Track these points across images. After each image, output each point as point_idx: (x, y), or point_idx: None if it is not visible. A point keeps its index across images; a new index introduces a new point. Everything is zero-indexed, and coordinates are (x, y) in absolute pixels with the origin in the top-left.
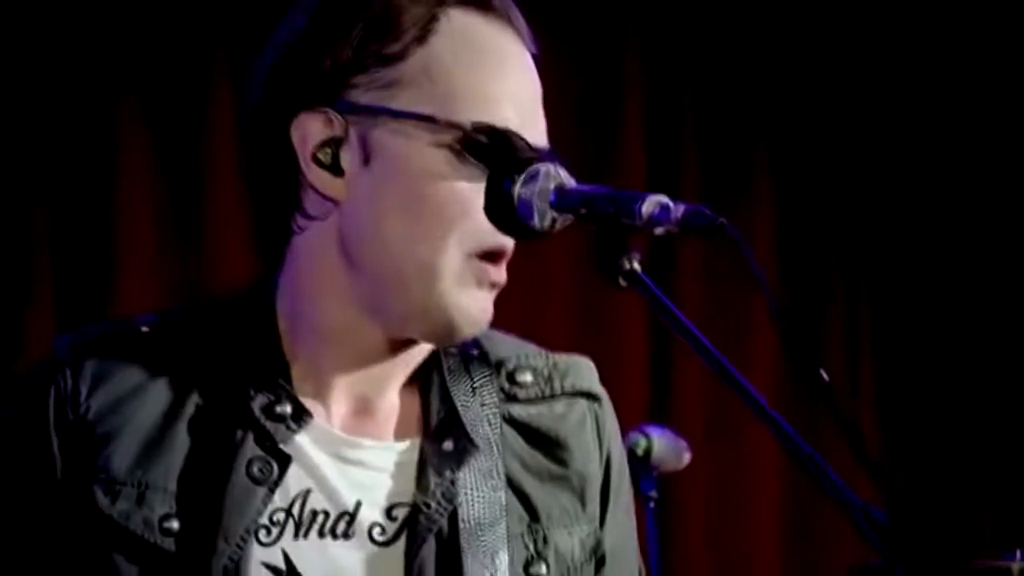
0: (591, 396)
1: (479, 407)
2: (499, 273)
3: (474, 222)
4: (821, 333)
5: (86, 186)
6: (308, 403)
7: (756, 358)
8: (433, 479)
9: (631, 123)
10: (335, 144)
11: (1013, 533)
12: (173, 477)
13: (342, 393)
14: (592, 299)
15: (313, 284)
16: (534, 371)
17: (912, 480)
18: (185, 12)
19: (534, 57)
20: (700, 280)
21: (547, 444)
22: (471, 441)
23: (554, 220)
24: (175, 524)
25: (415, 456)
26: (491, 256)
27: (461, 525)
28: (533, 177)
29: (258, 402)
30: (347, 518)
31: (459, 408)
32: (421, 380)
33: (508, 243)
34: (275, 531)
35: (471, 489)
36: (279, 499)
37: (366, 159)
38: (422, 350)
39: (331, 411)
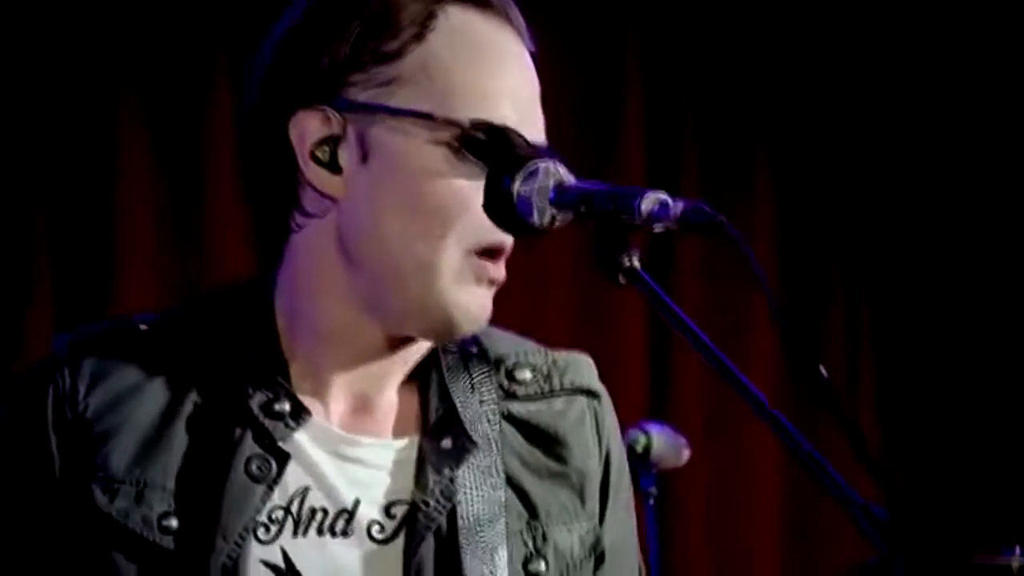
0: (590, 393)
1: (478, 404)
2: (498, 270)
3: (473, 219)
4: (821, 332)
5: (86, 186)
6: (307, 401)
7: (756, 356)
8: (432, 477)
9: (631, 123)
10: (333, 142)
11: (1013, 530)
12: (171, 475)
13: (341, 391)
14: (592, 296)
15: (312, 282)
16: (533, 368)
17: (912, 478)
18: (185, 12)
19: (532, 55)
20: (700, 278)
21: (546, 441)
22: (469, 439)
23: (553, 217)
24: (174, 522)
25: (414, 454)
26: (490, 253)
27: (460, 522)
28: (532, 174)
29: (256, 400)
30: (346, 516)
31: (458, 406)
32: (420, 378)
33: (507, 240)
34: (274, 529)
35: (470, 487)
36: (278, 497)
37: (364, 157)
38: (421, 348)
39: (330, 409)
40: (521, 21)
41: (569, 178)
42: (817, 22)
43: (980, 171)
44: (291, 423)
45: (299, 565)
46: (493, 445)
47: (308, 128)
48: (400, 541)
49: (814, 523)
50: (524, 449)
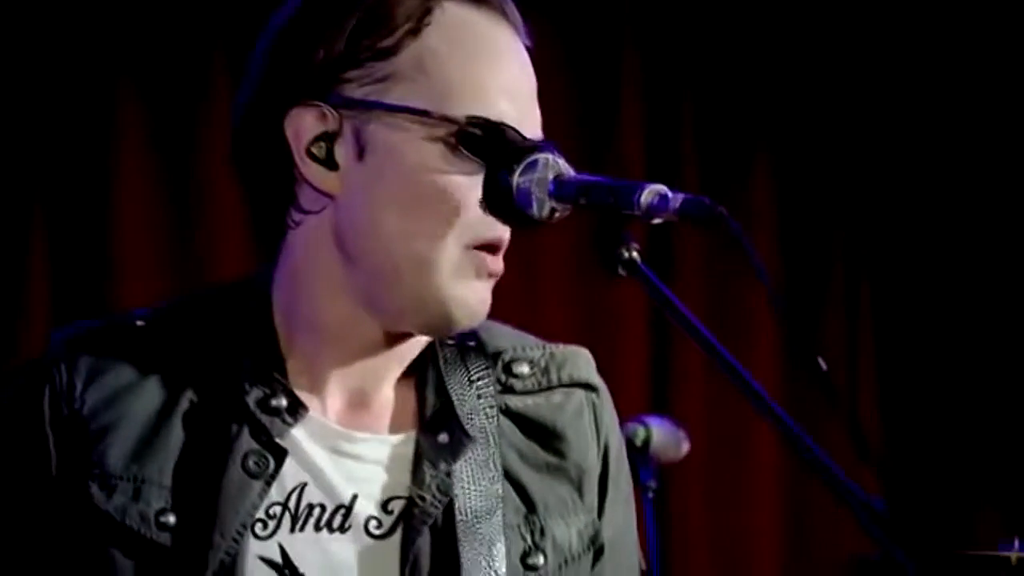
0: (588, 387)
1: (476, 399)
2: (496, 263)
3: (470, 216)
4: (820, 323)
5: (83, 186)
6: (304, 397)
7: (756, 351)
8: (428, 472)
9: (631, 123)
10: (329, 138)
11: (1012, 522)
12: (169, 472)
13: (338, 387)
14: (592, 290)
15: (309, 278)
16: (531, 362)
17: (911, 469)
18: (183, 12)
19: (529, 50)
20: (700, 273)
21: (544, 435)
22: (466, 433)
23: (553, 210)
24: (171, 519)
25: (411, 449)
26: (488, 248)
27: (458, 516)
28: (531, 166)
29: (253, 396)
30: (343, 511)
31: (454, 400)
32: (417, 373)
33: (505, 235)
34: (271, 525)
35: (467, 481)
36: (275, 493)
37: (360, 153)
38: (418, 343)
39: (327, 404)
40: (517, 16)
41: (568, 170)
42: (815, 16)
43: (981, 160)
44: (288, 419)
45: (297, 561)
46: (490, 439)
47: (304, 125)
48: (397, 536)
49: (814, 516)
50: (522, 443)
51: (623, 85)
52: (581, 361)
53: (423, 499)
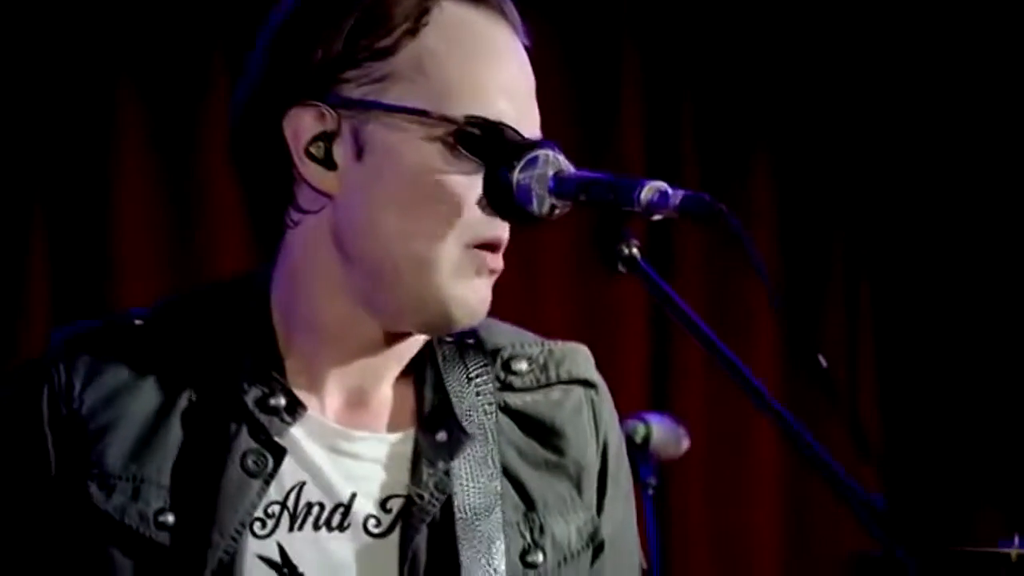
0: (587, 384)
1: (474, 396)
2: (496, 261)
3: (469, 215)
4: (820, 323)
5: (83, 186)
6: (302, 396)
7: (757, 348)
8: (426, 470)
9: (631, 123)
10: (328, 138)
11: (1012, 519)
12: (167, 471)
13: (336, 385)
14: (592, 286)
15: (307, 278)
16: (530, 359)
17: (911, 467)
18: (182, 12)
19: (527, 49)
20: (701, 270)
21: (543, 432)
22: (464, 431)
23: (553, 206)
24: (170, 518)
25: (409, 447)
26: (488, 247)
27: (457, 514)
28: (532, 163)
29: (252, 395)
30: (342, 510)
31: (452, 398)
32: (416, 371)
33: (504, 234)
34: (270, 524)
35: (466, 478)
36: (274, 492)
37: (359, 153)
38: (416, 342)
39: (325, 403)
40: (516, 15)
41: (568, 167)
42: (814, 16)
43: (980, 158)
44: (287, 418)
45: (295, 560)
46: (489, 436)
47: (302, 125)
48: (396, 535)
49: (814, 513)
50: (521, 440)
51: (623, 85)
52: (580, 358)
53: (421, 497)
